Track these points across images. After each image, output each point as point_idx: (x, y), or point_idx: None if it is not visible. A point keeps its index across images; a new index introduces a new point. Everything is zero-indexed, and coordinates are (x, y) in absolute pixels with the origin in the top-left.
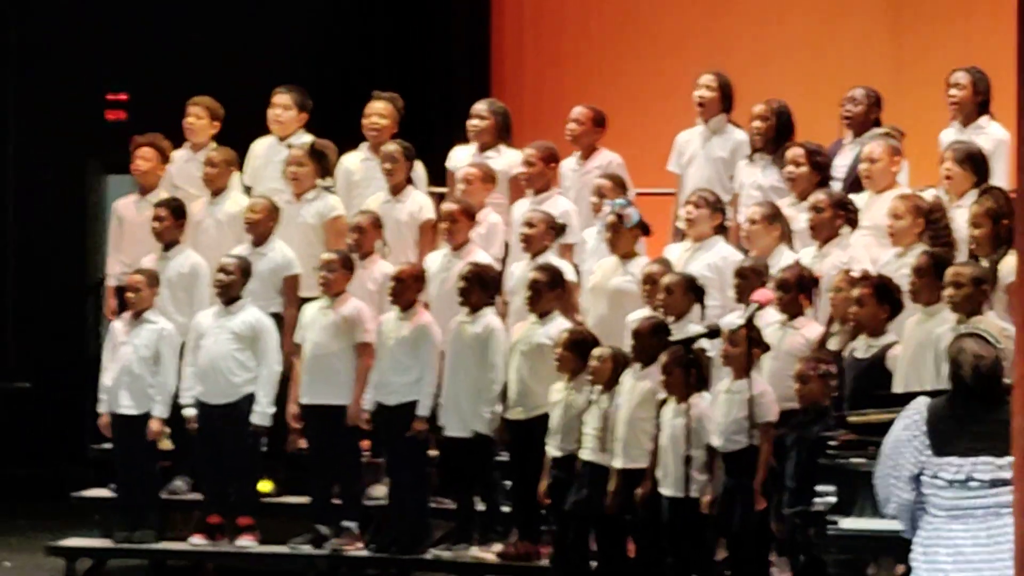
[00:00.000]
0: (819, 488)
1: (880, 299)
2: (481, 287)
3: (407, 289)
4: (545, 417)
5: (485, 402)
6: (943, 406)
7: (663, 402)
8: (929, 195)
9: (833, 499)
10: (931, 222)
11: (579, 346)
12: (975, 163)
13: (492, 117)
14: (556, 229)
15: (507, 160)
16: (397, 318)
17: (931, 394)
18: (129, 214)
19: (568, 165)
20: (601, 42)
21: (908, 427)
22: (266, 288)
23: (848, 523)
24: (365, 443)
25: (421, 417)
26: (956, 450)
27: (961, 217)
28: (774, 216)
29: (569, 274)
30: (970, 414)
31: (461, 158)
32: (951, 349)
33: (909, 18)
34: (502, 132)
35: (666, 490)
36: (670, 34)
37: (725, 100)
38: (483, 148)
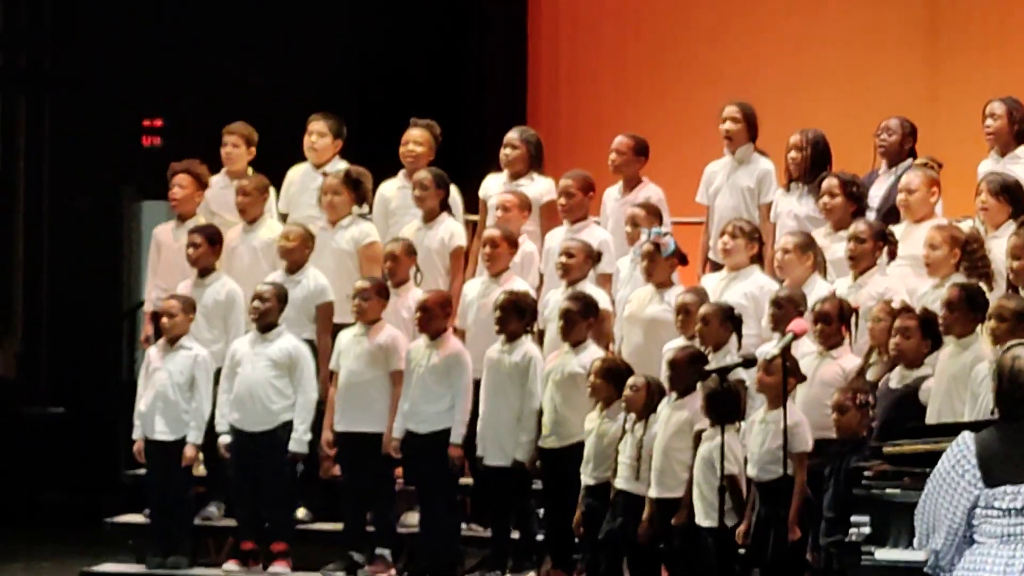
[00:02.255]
0: (854, 518)
1: (925, 332)
2: (518, 315)
3: (434, 317)
4: (579, 446)
5: (525, 430)
6: (991, 435)
7: (700, 432)
8: (965, 226)
9: (868, 529)
10: (968, 253)
11: (612, 375)
12: (1011, 194)
13: (524, 146)
14: (594, 258)
15: (539, 188)
16: (426, 346)
17: (972, 426)
18: (167, 240)
19: (611, 195)
20: (636, 70)
21: (958, 463)
22: (299, 315)
23: (883, 554)
24: (398, 470)
25: (455, 444)
26: (1009, 478)
27: (998, 248)
28: (807, 245)
29: (605, 303)
30: (1021, 437)
31: (493, 186)
32: (1003, 361)
33: (945, 47)
34: (534, 160)
35: (701, 520)
36: (705, 62)
37: (751, 129)
38: (515, 176)
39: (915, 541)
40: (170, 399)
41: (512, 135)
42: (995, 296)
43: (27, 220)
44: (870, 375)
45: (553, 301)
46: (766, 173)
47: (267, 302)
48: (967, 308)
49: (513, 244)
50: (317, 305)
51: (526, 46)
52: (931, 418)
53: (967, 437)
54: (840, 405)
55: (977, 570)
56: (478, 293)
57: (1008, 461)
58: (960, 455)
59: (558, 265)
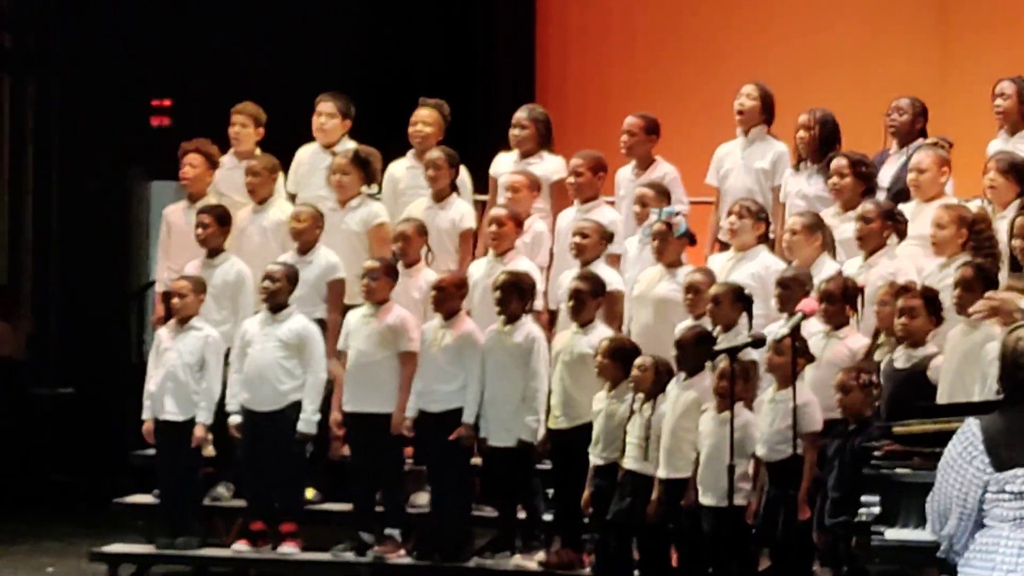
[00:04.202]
0: (863, 498)
1: (930, 310)
2: (519, 295)
3: (449, 297)
4: (588, 426)
5: (529, 411)
6: (996, 420)
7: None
8: (974, 205)
9: (877, 509)
10: (975, 232)
11: (619, 354)
12: (1018, 173)
13: (533, 124)
14: (607, 239)
15: (549, 166)
16: (439, 326)
17: (980, 408)
18: (177, 220)
19: (624, 175)
20: (646, 50)
21: (965, 449)
22: (312, 295)
23: (893, 534)
24: (408, 450)
25: (466, 424)
26: (1019, 461)
27: (1005, 228)
28: (815, 226)
29: (616, 283)
30: None
31: (503, 165)
32: (1007, 343)
33: (955, 27)
34: (544, 139)
35: (707, 500)
36: (715, 42)
37: (766, 111)
38: (525, 155)
39: (928, 527)
40: (180, 379)
41: (521, 114)
42: (1002, 277)
43: (36, 201)
44: (878, 356)
45: (566, 281)
46: (780, 155)
47: (277, 282)
48: (980, 287)
49: (519, 224)
50: (329, 282)
51: (534, 24)
52: (942, 397)
53: (972, 423)
54: (843, 385)
55: (990, 553)
56: (483, 273)
57: (1016, 445)
58: (967, 441)
59: (572, 245)
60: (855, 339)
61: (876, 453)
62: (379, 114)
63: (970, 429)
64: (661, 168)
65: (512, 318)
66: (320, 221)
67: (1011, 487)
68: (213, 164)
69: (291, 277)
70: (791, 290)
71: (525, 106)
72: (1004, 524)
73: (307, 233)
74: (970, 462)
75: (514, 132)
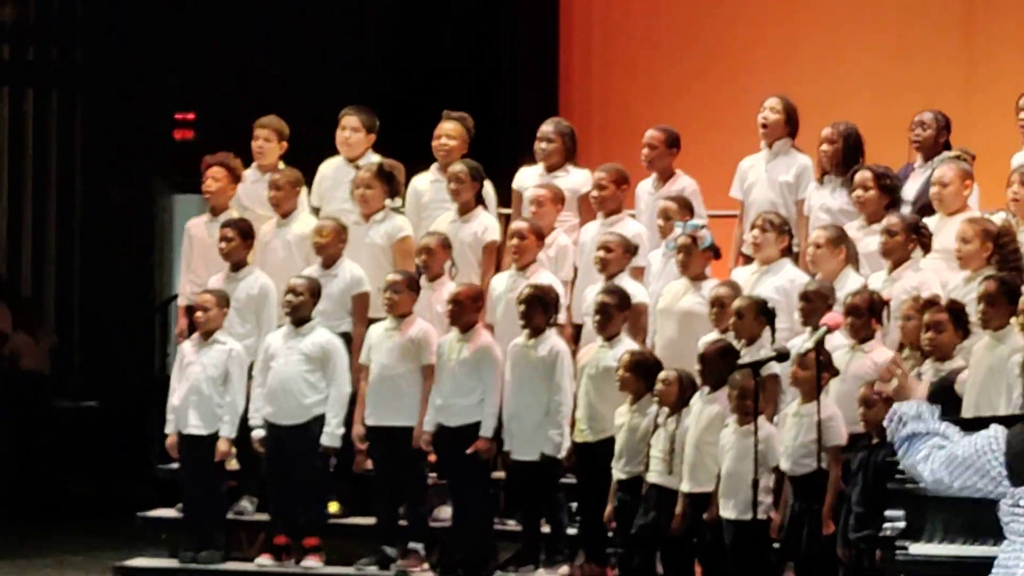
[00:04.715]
0: (888, 513)
1: (956, 324)
2: (542, 309)
3: (465, 311)
4: (613, 440)
5: (553, 424)
6: (1021, 433)
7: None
8: (998, 219)
9: (902, 524)
10: (1000, 246)
11: (641, 368)
12: None
13: (559, 138)
14: (632, 252)
15: (575, 179)
16: (457, 339)
17: (1004, 421)
18: (200, 234)
19: (644, 188)
20: (668, 63)
21: (984, 453)
22: (337, 308)
23: (917, 548)
24: (431, 459)
25: (485, 437)
26: None
27: None
28: (839, 239)
29: (641, 296)
30: None
31: (528, 179)
32: None
33: (979, 38)
34: (569, 152)
35: (729, 513)
36: (738, 56)
37: (790, 124)
38: (551, 169)
39: (909, 463)
40: (204, 393)
41: (547, 128)
42: None
43: (60, 214)
44: None
45: (590, 295)
46: (804, 168)
47: (300, 296)
48: (1005, 301)
49: (541, 238)
50: (353, 296)
51: (558, 37)
52: (967, 411)
53: (999, 432)
54: (866, 399)
55: (1011, 569)
56: (506, 287)
57: None
58: (988, 447)
59: (596, 259)
60: (879, 352)
61: (901, 467)
62: (403, 127)
63: (995, 437)
64: (681, 181)
65: (536, 331)
66: (344, 235)
67: None
68: (236, 178)
69: (314, 291)
70: (814, 304)
71: (551, 119)
72: (1022, 539)
73: (331, 247)
74: (988, 466)
75: (540, 146)
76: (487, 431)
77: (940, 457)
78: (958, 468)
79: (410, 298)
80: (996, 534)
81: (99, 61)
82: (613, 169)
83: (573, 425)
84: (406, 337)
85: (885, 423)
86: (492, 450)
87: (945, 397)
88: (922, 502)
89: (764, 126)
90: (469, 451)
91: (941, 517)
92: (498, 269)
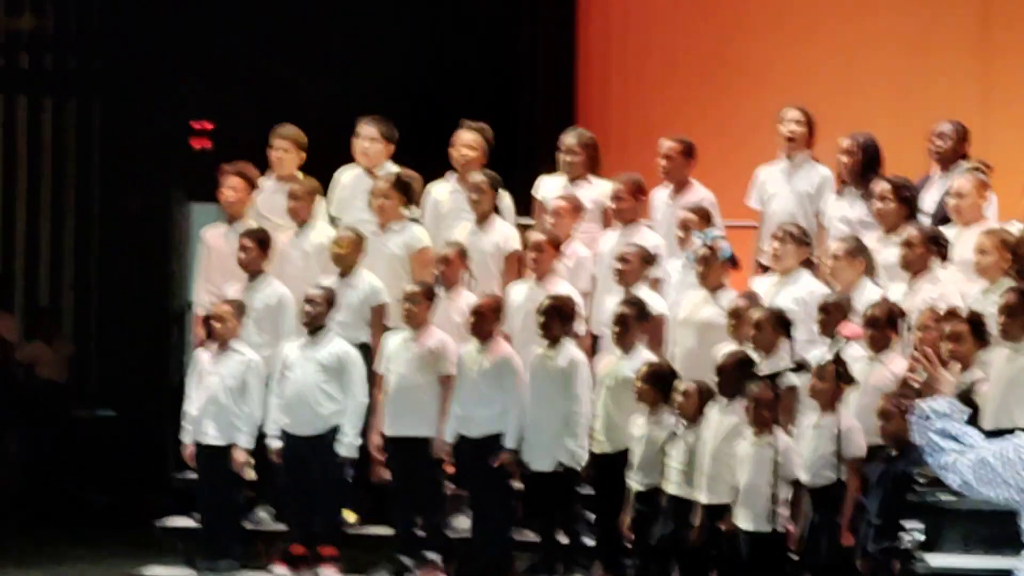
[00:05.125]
0: (907, 524)
1: (976, 335)
2: (561, 319)
3: (486, 321)
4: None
5: (570, 435)
6: None
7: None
8: (1016, 229)
9: (921, 536)
10: (1018, 257)
11: (658, 379)
12: None
13: (583, 150)
14: (650, 262)
15: (598, 190)
16: (477, 350)
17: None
18: (217, 243)
19: (660, 197)
20: (687, 73)
21: (1011, 461)
22: (355, 318)
23: (936, 560)
24: (449, 469)
25: (508, 448)
26: None
27: None
28: (857, 250)
29: (660, 307)
30: None
31: (550, 189)
32: None
33: (997, 49)
34: (592, 163)
35: (745, 524)
36: (756, 66)
37: (810, 134)
38: (574, 179)
39: (936, 464)
40: (222, 403)
41: (570, 139)
42: None
43: (77, 223)
44: None
45: (608, 306)
46: (825, 179)
47: (317, 306)
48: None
49: (557, 248)
50: (372, 307)
51: (575, 47)
52: (986, 422)
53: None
54: (885, 412)
55: None
56: (524, 297)
57: None
58: (1017, 455)
59: (614, 270)
60: (898, 363)
61: (920, 479)
62: (421, 137)
63: (1022, 445)
64: (698, 192)
65: (555, 342)
66: (361, 245)
67: None
68: (253, 186)
69: (330, 300)
70: (832, 315)
71: (573, 130)
72: None
73: (348, 257)
74: (1015, 476)
75: (564, 157)
76: (511, 442)
77: (967, 463)
78: (986, 475)
79: (427, 308)
80: (1015, 545)
81: (117, 70)
82: (630, 180)
83: (591, 436)
84: (424, 348)
85: (912, 419)
86: (514, 462)
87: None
88: (941, 514)
89: (791, 140)
90: (495, 464)
91: (960, 529)
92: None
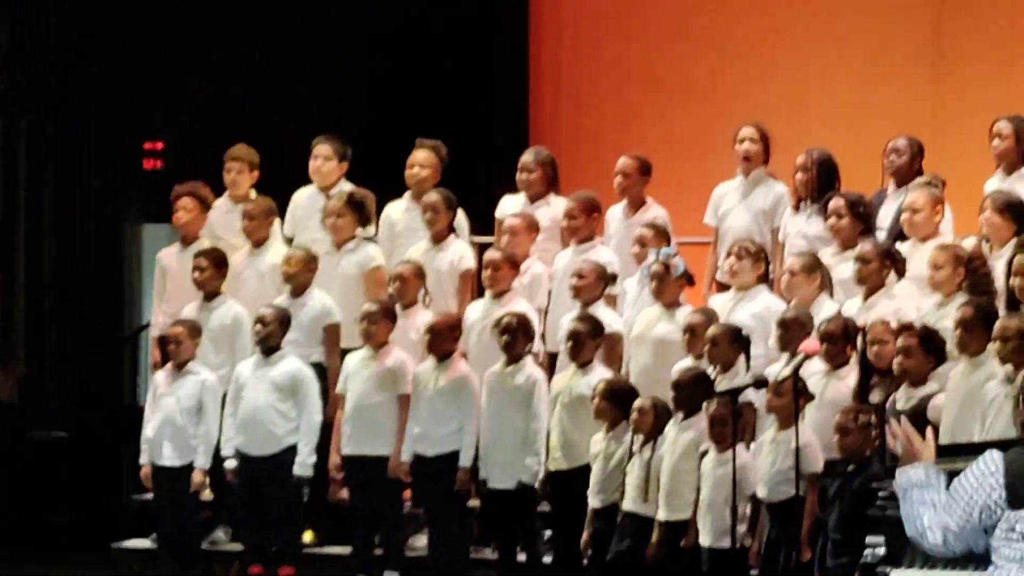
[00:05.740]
0: (868, 539)
1: (927, 349)
2: (525, 337)
3: (443, 340)
4: (587, 468)
5: (530, 453)
6: (1019, 456)
7: (704, 453)
8: (969, 244)
9: (882, 550)
10: (971, 271)
11: (616, 396)
12: (1015, 212)
13: (540, 168)
14: (607, 280)
15: (557, 209)
16: (433, 368)
17: (981, 448)
18: (172, 264)
19: (615, 215)
20: (639, 91)
21: (982, 483)
22: (308, 338)
23: (898, 574)
24: (406, 493)
25: (464, 468)
26: None
27: (1001, 266)
28: (813, 266)
29: (616, 325)
30: None
31: (510, 208)
32: None
33: (950, 63)
34: (551, 181)
35: (707, 540)
36: (708, 82)
37: (766, 151)
38: (533, 199)
39: (911, 532)
40: (178, 424)
41: (527, 158)
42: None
43: (28, 244)
44: (874, 396)
45: (565, 323)
46: (780, 196)
47: (269, 326)
48: (981, 327)
49: (514, 266)
50: (324, 327)
51: (528, 66)
52: (943, 437)
53: (996, 456)
54: (842, 427)
55: None
56: (481, 314)
57: None
58: (988, 471)
59: (571, 287)
60: (855, 378)
61: (881, 494)
62: (376, 156)
63: (993, 461)
64: (653, 210)
65: (516, 360)
66: (313, 264)
67: (1021, 527)
68: (206, 207)
69: (283, 320)
70: (792, 331)
71: (531, 149)
72: (1012, 564)
73: (299, 277)
74: (988, 496)
75: (521, 176)
76: (467, 461)
77: (938, 512)
78: (959, 503)
79: (387, 327)
80: (976, 561)
81: (69, 90)
82: (583, 198)
83: (547, 453)
84: (383, 367)
85: (895, 488)
86: (470, 480)
87: (919, 424)
88: (903, 528)
89: (747, 158)
90: (457, 487)
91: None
92: (474, 297)
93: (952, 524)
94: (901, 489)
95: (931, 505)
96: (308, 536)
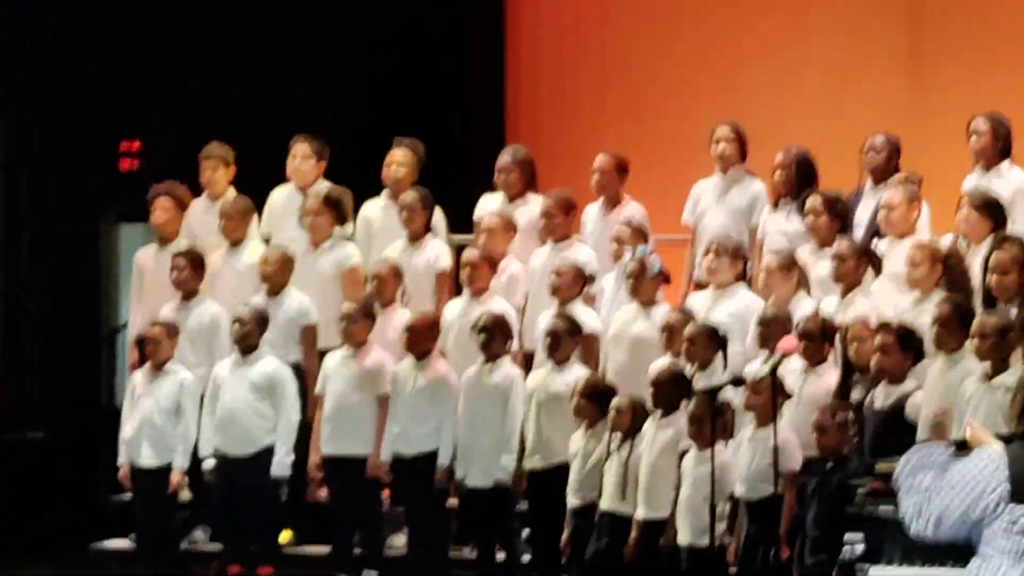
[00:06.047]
0: (847, 536)
1: (904, 347)
2: (503, 336)
3: (421, 339)
4: (564, 466)
5: (508, 451)
6: (1021, 450)
7: (684, 452)
8: (946, 241)
9: (861, 547)
10: (948, 268)
11: (595, 394)
12: (992, 209)
13: (517, 168)
14: (585, 279)
15: (535, 208)
16: (412, 367)
17: (1005, 439)
18: (150, 265)
19: (591, 213)
20: (616, 89)
21: (987, 472)
22: (284, 338)
23: (877, 571)
24: (385, 492)
25: (443, 467)
26: None
27: (978, 263)
28: (790, 264)
29: (594, 324)
30: None
31: (489, 207)
32: None
33: (927, 61)
34: (529, 181)
35: (686, 539)
36: (687, 81)
37: (742, 150)
38: (512, 199)
39: (911, 524)
40: (156, 425)
41: (505, 157)
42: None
43: (4, 244)
44: (855, 393)
45: (542, 322)
46: (758, 193)
47: (247, 325)
48: (958, 324)
49: (492, 265)
50: (301, 327)
51: (505, 64)
52: (922, 434)
53: (997, 454)
54: (820, 425)
55: None
56: (459, 313)
57: None
58: (993, 465)
59: (549, 285)
60: (833, 376)
61: (861, 491)
62: (354, 154)
63: (996, 454)
64: (630, 207)
65: (494, 359)
66: (290, 264)
67: (1021, 520)
68: (183, 207)
69: (260, 320)
70: (771, 329)
71: (509, 148)
72: (1004, 556)
73: (276, 276)
74: (991, 491)
75: (500, 176)
76: (445, 460)
77: (935, 499)
78: (958, 494)
79: (366, 327)
80: (956, 556)
81: (45, 91)
82: (559, 197)
83: (522, 452)
84: (362, 366)
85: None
86: (448, 479)
87: (898, 421)
88: (881, 525)
89: (722, 158)
90: (436, 486)
91: (900, 540)
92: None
93: (950, 514)
94: (915, 467)
95: (930, 491)
96: (287, 536)
